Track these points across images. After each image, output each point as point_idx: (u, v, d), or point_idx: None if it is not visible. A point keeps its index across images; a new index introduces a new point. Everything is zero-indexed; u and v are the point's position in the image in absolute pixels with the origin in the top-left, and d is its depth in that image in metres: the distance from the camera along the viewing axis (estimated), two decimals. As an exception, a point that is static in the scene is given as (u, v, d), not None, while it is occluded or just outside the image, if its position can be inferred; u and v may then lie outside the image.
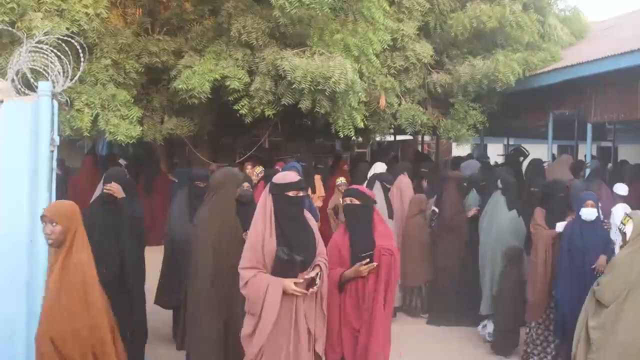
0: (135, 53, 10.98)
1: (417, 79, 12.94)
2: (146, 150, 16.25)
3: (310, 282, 4.82)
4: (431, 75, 13.14)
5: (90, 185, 12.44)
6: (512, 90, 12.45)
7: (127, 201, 6.78)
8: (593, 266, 7.00)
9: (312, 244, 5.00)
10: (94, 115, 9.90)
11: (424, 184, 11.71)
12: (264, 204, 4.93)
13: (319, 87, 10.12)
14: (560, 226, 7.52)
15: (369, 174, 10.57)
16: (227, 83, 10.55)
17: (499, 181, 8.86)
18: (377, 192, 9.15)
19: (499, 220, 8.58)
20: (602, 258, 6.95)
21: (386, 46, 12.08)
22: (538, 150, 16.16)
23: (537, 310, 7.76)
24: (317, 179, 11.64)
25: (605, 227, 7.64)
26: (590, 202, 7.17)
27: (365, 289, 5.22)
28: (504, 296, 8.25)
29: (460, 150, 21.64)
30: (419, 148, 23.05)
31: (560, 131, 13.84)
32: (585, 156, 12.63)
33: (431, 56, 12.82)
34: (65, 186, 12.34)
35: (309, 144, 20.17)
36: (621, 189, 9.47)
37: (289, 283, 4.70)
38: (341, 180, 11.22)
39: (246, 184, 7.28)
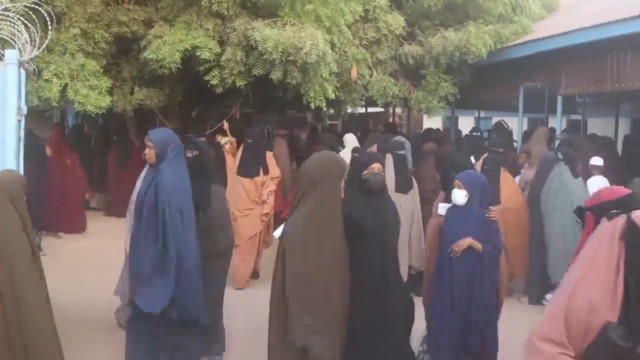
0: (104, 22, 10.84)
1: (388, 51, 12.93)
2: (116, 122, 16.10)
3: None
4: (403, 47, 13.14)
5: (57, 156, 12.35)
6: (484, 62, 12.51)
7: None
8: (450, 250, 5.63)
9: None
10: (62, 85, 9.78)
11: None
12: (608, 248, 2.93)
13: (290, 58, 10.08)
14: (442, 209, 6.15)
15: (350, 148, 10.52)
16: (198, 53, 10.47)
17: (559, 153, 8.87)
18: (388, 164, 8.58)
19: (570, 189, 8.52)
20: (465, 240, 5.54)
21: (358, 17, 12.05)
22: (508, 123, 16.29)
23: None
24: (270, 157, 9.84)
25: (486, 214, 5.81)
26: (457, 182, 5.71)
27: None
28: None
29: (431, 122, 21.74)
30: (390, 120, 23.09)
31: (531, 104, 13.94)
32: (552, 128, 12.74)
33: (403, 27, 12.81)
34: (45, 156, 12.01)
35: (280, 115, 20.17)
36: (597, 160, 9.60)
37: None
38: None
39: (378, 165, 5.31)
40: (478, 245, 5.57)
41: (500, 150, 9.78)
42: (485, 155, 9.19)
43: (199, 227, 5.82)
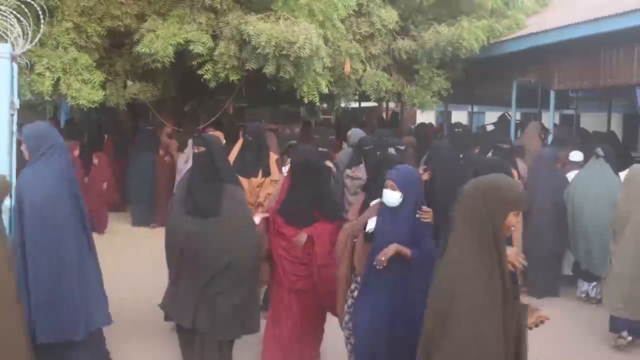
0: (97, 16, 10.81)
1: (382, 45, 12.92)
2: (110, 116, 16.06)
3: None
4: (396, 42, 13.13)
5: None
6: (477, 57, 12.49)
7: None
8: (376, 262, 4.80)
9: None
10: (55, 79, 9.77)
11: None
12: None
13: (284, 52, 10.06)
14: (373, 223, 5.19)
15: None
16: (191, 47, 10.45)
17: (599, 149, 8.85)
18: None
19: (610, 187, 8.42)
20: (391, 247, 4.77)
21: (351, 12, 12.04)
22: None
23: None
24: (273, 159, 8.75)
25: (418, 215, 4.99)
26: (389, 182, 4.92)
27: None
28: None
29: (424, 117, 21.74)
30: (383, 115, 23.07)
31: (524, 99, 13.93)
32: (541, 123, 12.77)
33: (396, 22, 12.79)
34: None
35: (273, 110, 20.15)
36: (576, 156, 9.60)
37: None
38: None
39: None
40: (406, 251, 4.79)
41: (505, 146, 9.62)
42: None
43: (206, 235, 5.34)
